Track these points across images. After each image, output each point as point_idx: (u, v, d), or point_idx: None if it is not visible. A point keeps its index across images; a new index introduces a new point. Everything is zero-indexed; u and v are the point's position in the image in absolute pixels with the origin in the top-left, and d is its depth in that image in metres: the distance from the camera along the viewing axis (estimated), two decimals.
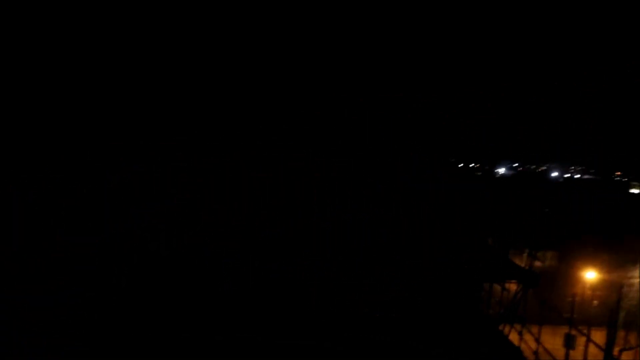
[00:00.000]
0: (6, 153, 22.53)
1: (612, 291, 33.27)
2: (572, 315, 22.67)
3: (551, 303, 24.16)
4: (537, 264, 35.01)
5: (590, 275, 36.38)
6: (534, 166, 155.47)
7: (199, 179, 24.09)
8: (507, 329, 22.52)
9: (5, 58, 23.58)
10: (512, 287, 22.32)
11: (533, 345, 22.67)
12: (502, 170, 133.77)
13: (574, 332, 23.98)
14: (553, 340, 26.94)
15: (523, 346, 21.09)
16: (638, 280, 33.65)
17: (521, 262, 30.64)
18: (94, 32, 25.44)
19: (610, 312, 27.78)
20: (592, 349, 23.98)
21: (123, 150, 24.46)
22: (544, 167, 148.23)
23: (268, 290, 17.12)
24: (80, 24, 25.02)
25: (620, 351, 29.54)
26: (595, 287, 35.32)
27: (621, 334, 30.06)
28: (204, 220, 21.61)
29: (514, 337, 21.91)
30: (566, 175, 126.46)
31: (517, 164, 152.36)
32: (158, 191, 22.94)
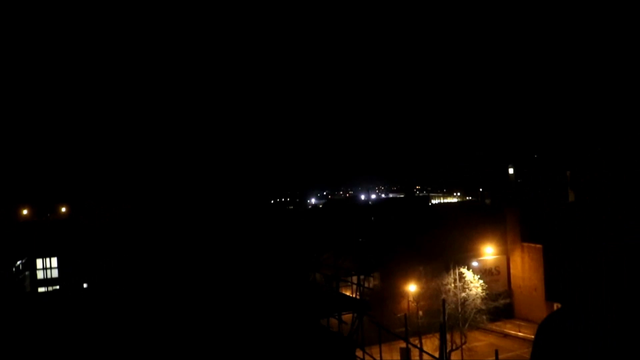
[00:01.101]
0: None
1: (434, 300, 36.24)
2: (406, 330, 24.44)
3: (383, 322, 25.91)
4: (365, 289, 37.21)
5: (412, 288, 39.01)
6: (341, 191, 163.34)
7: None
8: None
9: None
10: (347, 317, 23.71)
11: None
12: (313, 200, 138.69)
13: (408, 346, 25.83)
14: (391, 357, 28.88)
15: None
16: (452, 286, 36.81)
17: (351, 291, 32.47)
18: None
19: (440, 321, 30.15)
20: (426, 356, 25.97)
21: None
22: (352, 192, 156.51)
23: None
24: None
25: (450, 352, 32.49)
26: (418, 299, 37.97)
27: (447, 336, 32.83)
28: None
29: None
30: (373, 196, 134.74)
31: (325, 192, 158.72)
32: None
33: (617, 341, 11.48)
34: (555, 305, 40.20)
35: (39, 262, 48.21)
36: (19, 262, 46.71)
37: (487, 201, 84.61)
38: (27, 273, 47.34)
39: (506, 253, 49.65)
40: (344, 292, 27.59)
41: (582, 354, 11.93)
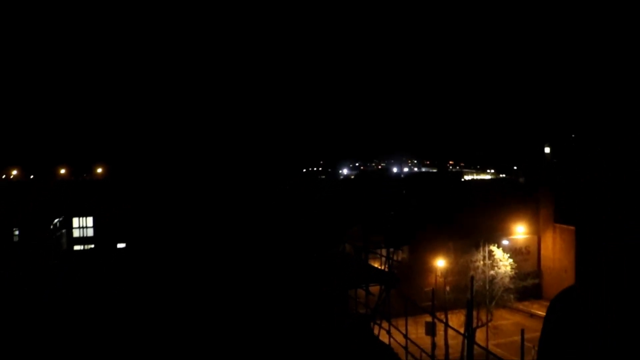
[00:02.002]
0: None
1: (462, 276, 36.70)
2: (433, 304, 25.01)
3: (410, 296, 26.59)
4: (394, 262, 37.89)
5: (441, 263, 39.48)
6: (374, 164, 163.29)
7: None
8: (376, 329, 24.64)
9: None
10: (375, 289, 24.39)
11: (401, 339, 24.92)
12: (345, 171, 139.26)
13: (434, 320, 26.42)
14: (417, 331, 29.55)
15: (392, 342, 23.24)
16: (481, 263, 37.19)
17: (379, 263, 33.18)
18: None
19: (467, 297, 30.63)
20: (450, 331, 26.61)
21: None
22: (384, 164, 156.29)
23: None
24: None
25: (475, 329, 33.06)
26: (446, 274, 38.48)
27: (473, 313, 33.36)
28: None
29: (383, 335, 24.06)
30: (405, 170, 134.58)
31: (358, 163, 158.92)
32: None
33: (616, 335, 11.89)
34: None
35: (75, 221, 49.82)
36: (56, 220, 48.32)
37: (521, 180, 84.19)
38: (63, 231, 49.00)
39: (538, 233, 49.77)
40: (372, 264, 28.30)
41: (591, 333, 12.28)
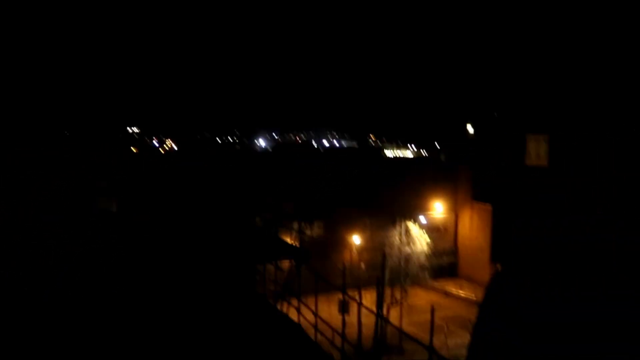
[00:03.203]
0: None
1: (377, 253, 36.41)
2: (344, 282, 24.49)
3: (323, 273, 25.97)
4: (306, 237, 37.19)
5: (356, 239, 39.16)
6: (292, 134, 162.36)
7: None
8: (285, 306, 23.87)
9: None
10: (285, 264, 23.60)
11: (311, 317, 24.31)
12: (262, 143, 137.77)
13: (346, 297, 25.99)
14: (329, 309, 29.02)
15: (302, 320, 22.56)
16: (397, 240, 37.02)
17: (290, 238, 32.36)
18: None
19: (377, 274, 30.42)
20: (364, 310, 26.23)
21: None
22: (302, 136, 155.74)
23: None
24: None
25: (388, 307, 32.89)
26: (361, 251, 38.18)
27: (387, 291, 33.18)
28: None
29: (293, 313, 23.32)
30: (326, 143, 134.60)
31: (275, 134, 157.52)
32: None
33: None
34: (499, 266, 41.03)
35: None
36: None
37: (442, 157, 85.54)
38: None
39: (455, 211, 50.30)
40: (283, 238, 27.48)
41: (523, 318, 12.16)
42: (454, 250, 49.29)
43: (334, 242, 40.25)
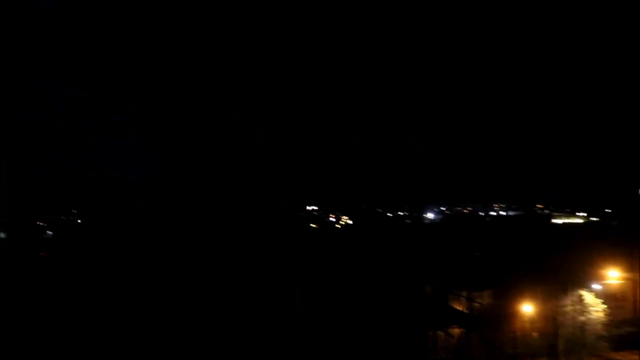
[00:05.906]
0: None
1: (549, 322, 34.87)
2: (516, 351, 23.82)
3: (494, 341, 25.33)
4: (476, 305, 36.46)
5: (527, 308, 37.66)
6: (459, 208, 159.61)
7: None
8: None
9: None
10: (455, 331, 23.36)
11: None
12: (430, 215, 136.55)
13: None
14: None
15: None
16: (570, 308, 35.26)
17: (460, 305, 31.96)
18: None
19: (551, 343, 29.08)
20: None
21: None
22: (470, 208, 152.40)
23: None
24: None
25: None
26: (533, 320, 36.58)
27: None
28: None
29: None
30: (492, 213, 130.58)
31: (443, 207, 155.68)
32: None
33: None
34: None
35: None
36: None
37: (615, 223, 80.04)
38: None
39: (634, 278, 46.79)
40: (454, 306, 27.24)
41: None
42: (635, 320, 45.58)
43: (504, 310, 38.97)
